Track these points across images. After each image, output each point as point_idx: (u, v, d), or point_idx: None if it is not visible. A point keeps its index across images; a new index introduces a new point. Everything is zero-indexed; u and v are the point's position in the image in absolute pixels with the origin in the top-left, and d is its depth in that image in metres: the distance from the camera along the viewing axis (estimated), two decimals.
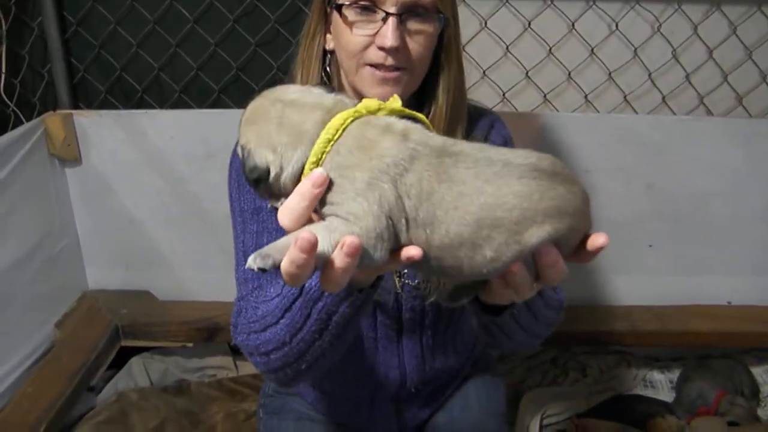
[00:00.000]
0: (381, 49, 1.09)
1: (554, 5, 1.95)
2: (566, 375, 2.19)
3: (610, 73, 2.04)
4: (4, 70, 1.91)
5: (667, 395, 2.16)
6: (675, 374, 2.21)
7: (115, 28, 2.00)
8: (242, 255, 1.15)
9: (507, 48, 2.00)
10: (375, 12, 1.09)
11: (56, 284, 2.04)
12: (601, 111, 2.09)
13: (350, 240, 0.69)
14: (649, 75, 2.05)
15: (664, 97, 2.08)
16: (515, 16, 1.97)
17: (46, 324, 1.98)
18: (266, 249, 0.73)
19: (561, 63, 2.03)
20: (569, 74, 2.04)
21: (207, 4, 1.96)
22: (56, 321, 2.01)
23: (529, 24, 1.97)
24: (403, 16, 1.08)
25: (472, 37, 1.98)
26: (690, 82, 2.06)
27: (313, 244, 0.68)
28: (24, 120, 1.94)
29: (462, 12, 1.93)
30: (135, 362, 2.19)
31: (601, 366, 2.22)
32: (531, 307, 1.05)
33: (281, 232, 1.11)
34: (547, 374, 2.19)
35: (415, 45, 1.11)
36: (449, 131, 1.17)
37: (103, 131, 2.01)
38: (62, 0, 1.96)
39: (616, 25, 1.98)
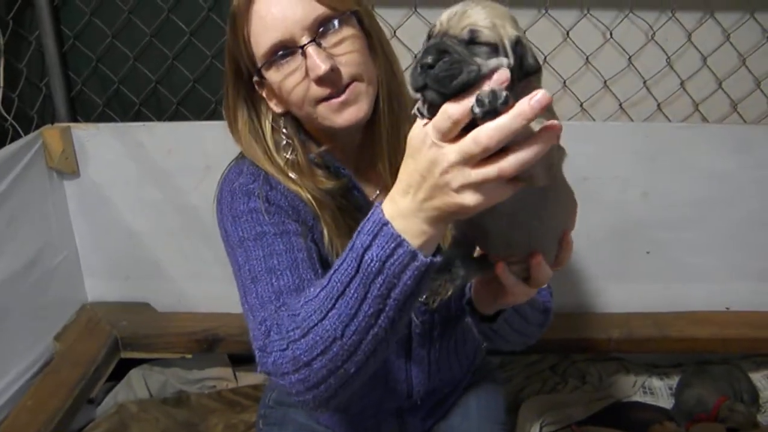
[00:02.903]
0: (319, 81, 1.06)
1: (548, 14, 1.96)
2: (565, 382, 2.19)
3: (605, 82, 2.05)
4: (2, 84, 1.91)
5: (666, 402, 2.16)
6: (674, 381, 2.21)
7: (112, 42, 2.01)
8: (250, 281, 1.08)
9: None
10: (292, 54, 1.07)
11: (55, 296, 2.04)
12: (596, 119, 2.10)
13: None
14: (644, 83, 2.06)
15: (659, 105, 2.09)
16: None
17: (45, 336, 1.98)
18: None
19: (556, 72, 2.04)
20: (564, 83, 2.05)
21: (203, 17, 1.97)
22: (55, 333, 2.02)
23: (524, 33, 1.98)
24: (317, 38, 1.06)
25: None
26: (685, 90, 2.07)
27: (550, 102, 0.70)
28: (22, 133, 1.95)
29: None
30: (134, 374, 2.19)
31: (600, 373, 2.22)
32: (519, 311, 1.12)
33: (289, 254, 1.09)
34: (546, 382, 2.19)
35: (346, 56, 1.08)
36: (393, 125, 1.15)
37: (100, 144, 2.01)
38: (60, 14, 1.98)
39: (611, 34, 1.99)
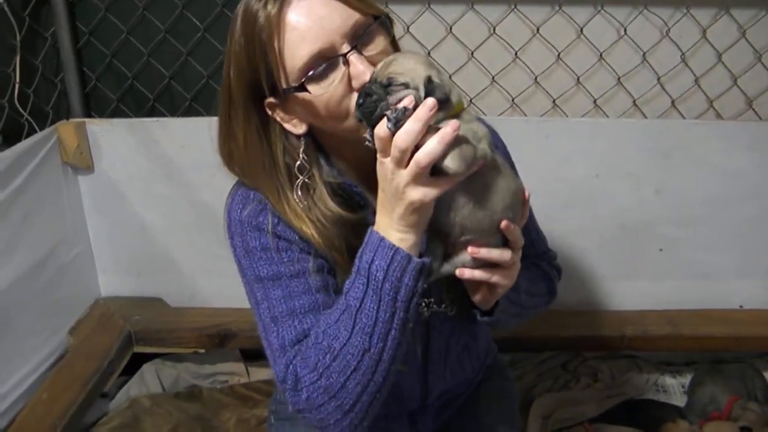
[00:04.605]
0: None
1: (562, 11, 1.96)
2: (577, 380, 2.18)
3: (618, 78, 2.04)
4: (18, 80, 1.93)
5: (679, 400, 2.15)
6: (687, 379, 2.20)
7: (126, 38, 2.02)
8: (270, 320, 1.08)
9: (516, 54, 2.00)
10: (334, 66, 1.02)
11: (69, 291, 2.06)
12: (610, 116, 2.09)
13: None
14: (658, 79, 2.05)
15: (673, 101, 2.08)
16: (523, 22, 1.97)
17: (59, 331, 1.99)
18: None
19: (570, 68, 2.03)
20: (578, 79, 2.04)
21: (217, 13, 1.97)
22: (69, 328, 2.03)
23: (538, 30, 1.98)
24: (358, 45, 1.02)
25: (481, 44, 1.99)
26: (699, 86, 2.06)
27: (435, 106, 0.89)
28: (37, 129, 1.96)
29: (470, 18, 1.95)
30: (147, 368, 2.20)
31: (612, 371, 2.21)
32: (512, 299, 1.19)
33: (309, 295, 1.10)
34: (558, 379, 2.19)
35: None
36: None
37: (115, 139, 2.03)
38: (75, 10, 1.99)
39: (625, 30, 1.98)
